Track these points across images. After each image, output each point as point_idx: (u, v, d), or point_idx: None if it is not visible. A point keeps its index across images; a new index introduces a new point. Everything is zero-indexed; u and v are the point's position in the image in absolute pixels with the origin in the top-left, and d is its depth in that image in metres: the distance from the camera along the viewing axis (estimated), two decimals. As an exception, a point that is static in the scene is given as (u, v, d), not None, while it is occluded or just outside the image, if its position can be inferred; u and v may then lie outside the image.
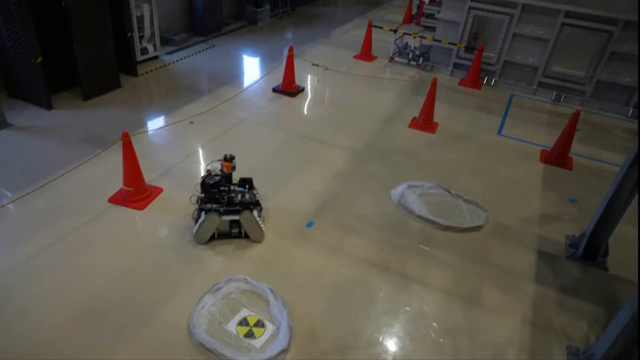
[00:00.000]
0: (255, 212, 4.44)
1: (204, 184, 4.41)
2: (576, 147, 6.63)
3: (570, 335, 3.89)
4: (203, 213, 4.38)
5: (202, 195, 4.44)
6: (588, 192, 5.85)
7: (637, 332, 3.13)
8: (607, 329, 3.44)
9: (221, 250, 4.44)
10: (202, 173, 5.64)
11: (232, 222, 4.46)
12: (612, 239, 4.65)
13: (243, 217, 4.39)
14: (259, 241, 4.54)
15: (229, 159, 4.39)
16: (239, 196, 4.43)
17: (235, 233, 4.52)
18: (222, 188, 4.41)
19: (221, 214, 4.36)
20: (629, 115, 8.19)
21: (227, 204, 4.38)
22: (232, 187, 4.49)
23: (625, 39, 7.76)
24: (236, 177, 4.61)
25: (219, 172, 4.46)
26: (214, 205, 4.36)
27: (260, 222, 4.47)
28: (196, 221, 4.47)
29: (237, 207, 4.38)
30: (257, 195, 4.56)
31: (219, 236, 4.51)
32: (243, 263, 4.32)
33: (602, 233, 4.58)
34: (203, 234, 4.41)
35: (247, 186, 4.59)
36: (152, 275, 4.11)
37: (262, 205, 4.71)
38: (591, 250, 4.67)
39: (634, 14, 7.49)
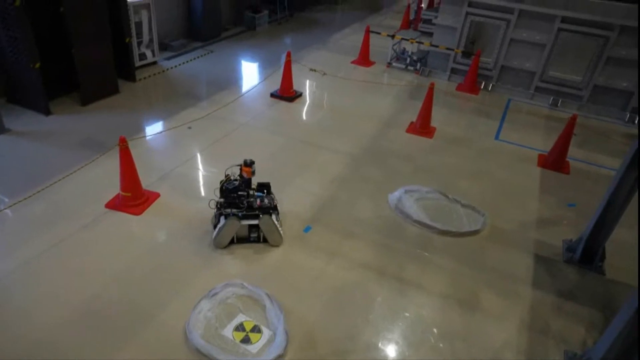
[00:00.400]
0: (274, 217, 4.46)
1: (223, 188, 4.43)
2: (573, 152, 6.64)
3: (568, 340, 3.88)
4: (222, 218, 4.39)
5: (222, 200, 4.46)
6: (585, 196, 5.86)
7: (635, 334, 3.13)
8: (604, 333, 3.44)
9: (239, 255, 4.46)
10: (201, 178, 5.67)
11: (251, 226, 4.49)
12: (609, 243, 4.65)
13: (262, 222, 4.41)
14: (277, 245, 4.56)
15: (249, 164, 4.42)
16: (258, 201, 4.45)
17: (254, 237, 4.55)
18: (241, 193, 4.43)
19: (240, 218, 4.37)
20: (626, 119, 8.21)
21: (247, 208, 4.40)
22: (251, 192, 4.52)
23: (622, 44, 7.81)
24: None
25: (238, 177, 4.48)
26: (234, 210, 4.38)
27: (279, 227, 4.49)
28: (215, 226, 4.49)
29: (257, 212, 4.40)
30: (275, 200, 4.58)
31: (237, 240, 4.53)
32: (241, 267, 4.32)
33: (599, 237, 4.59)
34: (222, 239, 4.43)
35: (265, 191, 4.62)
36: (149, 280, 4.09)
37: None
38: (588, 254, 4.67)
39: (630, 19, 7.54)
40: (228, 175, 4.50)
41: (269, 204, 4.47)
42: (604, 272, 4.64)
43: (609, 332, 3.33)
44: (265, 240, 4.55)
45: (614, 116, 8.32)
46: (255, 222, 4.42)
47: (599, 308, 4.23)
